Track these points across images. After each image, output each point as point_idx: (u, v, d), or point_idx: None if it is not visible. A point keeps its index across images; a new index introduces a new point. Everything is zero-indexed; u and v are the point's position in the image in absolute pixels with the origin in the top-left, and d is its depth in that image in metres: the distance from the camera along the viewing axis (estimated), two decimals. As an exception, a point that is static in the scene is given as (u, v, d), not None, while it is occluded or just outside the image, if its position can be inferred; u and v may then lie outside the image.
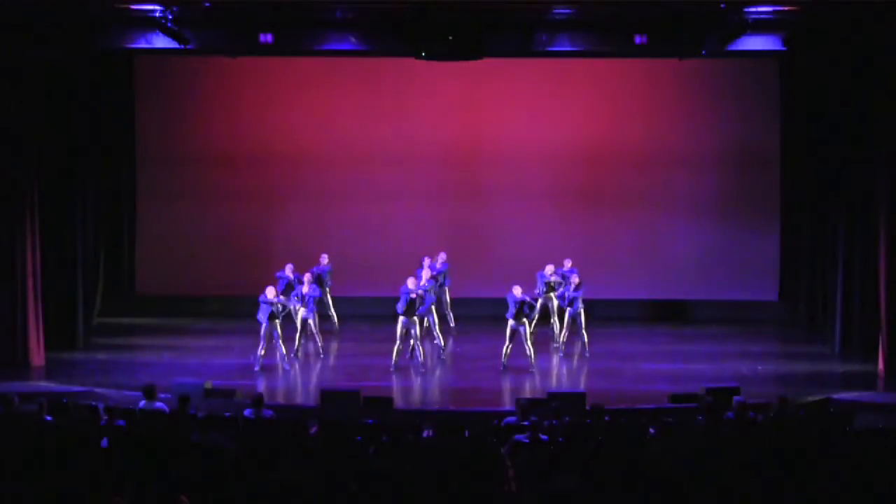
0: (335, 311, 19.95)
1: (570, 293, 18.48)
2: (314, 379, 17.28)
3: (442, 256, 19.59)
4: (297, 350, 18.34)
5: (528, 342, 17.49)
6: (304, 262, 19.65)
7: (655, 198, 21.80)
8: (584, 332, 18.53)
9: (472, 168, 21.87)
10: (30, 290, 17.72)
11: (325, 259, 19.64)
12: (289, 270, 19.02)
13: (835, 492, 9.35)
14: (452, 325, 19.83)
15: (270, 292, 17.42)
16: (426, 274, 18.61)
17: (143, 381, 14.97)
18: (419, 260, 19.28)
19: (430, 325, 18.41)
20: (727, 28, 16.83)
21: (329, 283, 19.64)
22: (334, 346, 19.20)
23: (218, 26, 17.71)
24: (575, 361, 18.43)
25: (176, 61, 20.94)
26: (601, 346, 19.27)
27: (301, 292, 18.28)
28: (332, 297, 19.83)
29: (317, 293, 18.54)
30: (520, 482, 10.23)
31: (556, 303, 19.07)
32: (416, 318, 17.43)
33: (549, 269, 19.19)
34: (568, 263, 19.28)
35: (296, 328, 18.38)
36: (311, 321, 18.30)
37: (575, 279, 18.64)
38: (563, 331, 18.79)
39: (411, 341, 17.63)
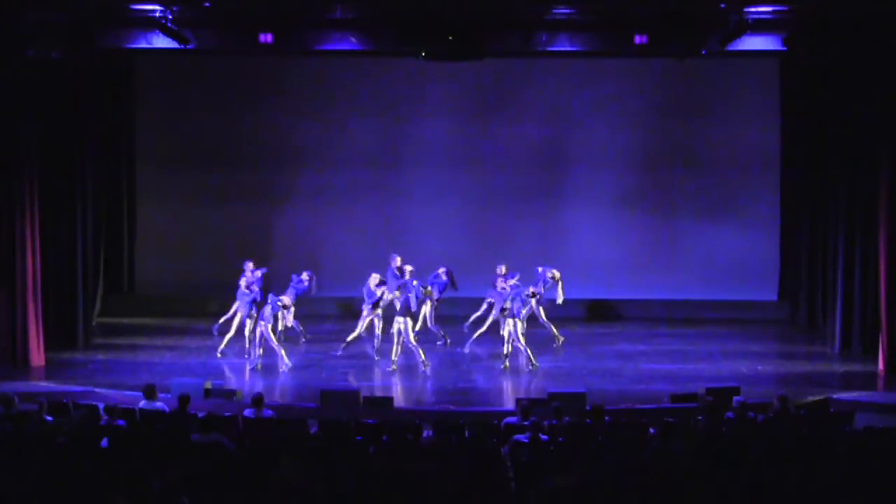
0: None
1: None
2: (314, 379, 17.24)
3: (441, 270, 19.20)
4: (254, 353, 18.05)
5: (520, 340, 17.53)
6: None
7: (655, 198, 21.82)
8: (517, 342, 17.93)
9: (472, 169, 21.88)
10: (30, 290, 17.72)
11: (250, 266, 18.85)
12: (305, 277, 18.78)
13: (835, 491, 9.35)
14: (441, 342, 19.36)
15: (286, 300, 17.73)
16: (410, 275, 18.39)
17: (143, 381, 14.96)
18: (418, 260, 19.21)
19: (426, 323, 18.65)
20: (727, 28, 16.84)
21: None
22: (334, 346, 19.14)
23: (218, 26, 17.74)
24: (572, 361, 18.41)
25: (176, 61, 20.93)
26: (601, 346, 19.30)
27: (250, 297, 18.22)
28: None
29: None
30: (520, 482, 10.23)
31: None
32: (409, 317, 17.49)
33: (502, 269, 18.78)
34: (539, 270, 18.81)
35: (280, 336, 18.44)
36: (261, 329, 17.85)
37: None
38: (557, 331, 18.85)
39: (401, 338, 17.59)
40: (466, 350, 18.53)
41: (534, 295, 17.80)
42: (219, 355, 18.26)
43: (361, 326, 18.23)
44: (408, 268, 18.59)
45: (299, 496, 9.14)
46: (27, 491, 8.93)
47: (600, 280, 21.40)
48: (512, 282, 18.28)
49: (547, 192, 21.89)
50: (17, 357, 17.69)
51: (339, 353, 18.22)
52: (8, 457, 10.41)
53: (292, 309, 18.10)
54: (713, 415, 12.98)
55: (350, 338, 18.21)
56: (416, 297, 17.62)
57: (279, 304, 17.54)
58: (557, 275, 18.51)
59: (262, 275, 18.82)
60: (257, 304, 18.08)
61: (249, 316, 18.11)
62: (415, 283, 18.01)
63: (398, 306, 17.94)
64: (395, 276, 18.79)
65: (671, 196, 21.82)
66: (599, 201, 21.86)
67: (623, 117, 21.65)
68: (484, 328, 18.61)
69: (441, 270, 18.69)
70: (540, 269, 18.63)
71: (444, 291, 18.75)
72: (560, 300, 18.51)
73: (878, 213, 17.65)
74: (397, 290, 17.92)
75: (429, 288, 18.08)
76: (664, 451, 11.06)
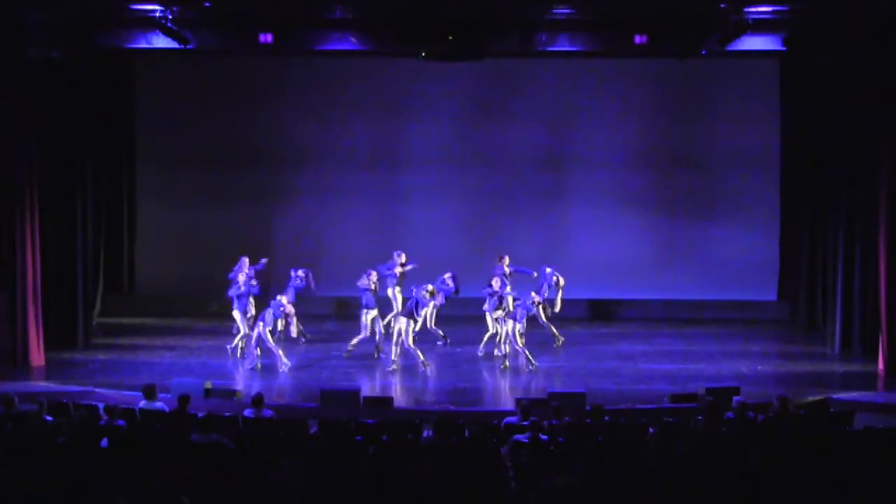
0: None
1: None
2: (314, 379, 17.23)
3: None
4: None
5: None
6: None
7: (655, 198, 21.82)
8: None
9: (472, 169, 21.87)
10: (30, 290, 17.71)
11: (246, 262, 18.86)
12: (301, 274, 18.77)
13: (835, 492, 9.35)
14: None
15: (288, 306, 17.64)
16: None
17: (143, 381, 14.96)
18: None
19: (426, 323, 18.67)
20: (727, 28, 16.83)
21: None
22: (334, 346, 19.14)
23: (218, 26, 17.75)
24: (572, 362, 18.40)
25: (176, 61, 20.93)
26: (601, 346, 19.30)
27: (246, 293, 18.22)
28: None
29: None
30: (520, 482, 10.23)
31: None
32: (411, 318, 17.50)
33: (506, 259, 18.87)
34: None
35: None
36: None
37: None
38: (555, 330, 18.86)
39: (401, 339, 17.59)
40: (481, 353, 18.49)
41: (538, 303, 17.85)
42: (229, 353, 18.20)
43: (368, 326, 18.20)
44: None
45: (299, 496, 9.15)
46: (27, 491, 8.94)
47: (601, 280, 21.39)
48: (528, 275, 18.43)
49: (547, 192, 21.88)
50: (17, 357, 17.68)
51: (345, 355, 18.19)
52: (8, 457, 10.41)
53: (294, 320, 18.06)
54: (713, 415, 12.97)
55: (354, 341, 18.19)
56: (417, 301, 17.59)
57: (282, 310, 17.52)
58: (562, 282, 18.54)
59: (262, 268, 18.75)
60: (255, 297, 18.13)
61: (245, 312, 18.08)
62: (413, 289, 18.00)
63: (398, 307, 17.92)
64: (394, 274, 18.86)
65: (671, 196, 21.81)
66: (600, 201, 21.85)
67: (623, 117, 21.64)
68: (492, 330, 18.57)
69: (447, 276, 18.54)
70: (549, 270, 18.62)
71: (449, 297, 18.66)
72: (557, 308, 18.56)
73: (878, 214, 17.65)
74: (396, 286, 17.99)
75: (431, 287, 18.05)
76: (664, 451, 11.05)
